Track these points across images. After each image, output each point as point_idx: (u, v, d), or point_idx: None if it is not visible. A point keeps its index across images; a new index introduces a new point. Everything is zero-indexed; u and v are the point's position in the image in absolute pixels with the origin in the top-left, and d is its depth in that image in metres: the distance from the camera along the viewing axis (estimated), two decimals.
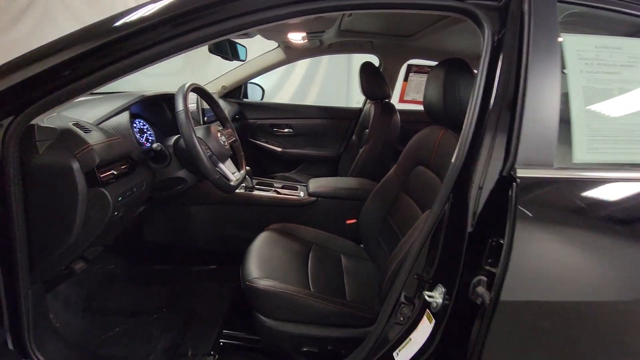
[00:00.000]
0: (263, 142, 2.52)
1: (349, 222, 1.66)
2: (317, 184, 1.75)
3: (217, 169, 1.16)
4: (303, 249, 1.39)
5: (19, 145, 0.75)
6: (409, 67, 2.41)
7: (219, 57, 1.83)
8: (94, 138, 0.90)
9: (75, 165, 0.83)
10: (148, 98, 1.13)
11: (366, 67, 2.02)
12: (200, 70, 2.77)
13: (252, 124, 2.50)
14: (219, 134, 1.21)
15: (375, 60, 2.27)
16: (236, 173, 1.26)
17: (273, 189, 1.73)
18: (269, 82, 4.04)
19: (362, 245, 1.57)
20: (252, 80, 2.50)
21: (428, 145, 1.22)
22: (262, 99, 2.66)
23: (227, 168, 1.25)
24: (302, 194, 1.72)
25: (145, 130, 1.34)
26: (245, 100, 2.51)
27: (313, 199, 1.68)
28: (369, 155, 1.94)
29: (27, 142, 0.77)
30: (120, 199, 0.93)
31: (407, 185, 1.32)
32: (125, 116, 1.00)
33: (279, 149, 2.51)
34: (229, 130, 1.38)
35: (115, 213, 0.94)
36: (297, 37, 1.64)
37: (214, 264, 1.73)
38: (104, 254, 1.59)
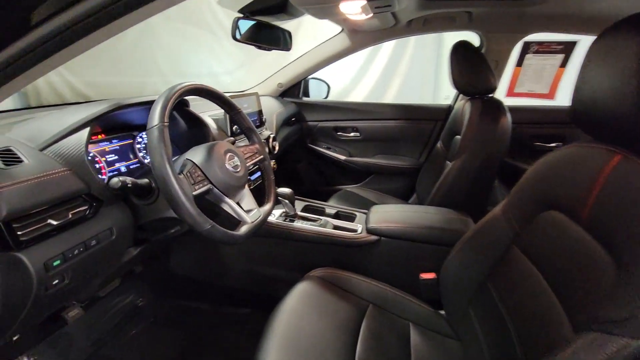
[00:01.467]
0: (324, 148, 2.12)
1: (424, 275, 1.14)
2: (381, 216, 1.26)
3: (223, 206, 0.79)
4: (354, 311, 0.96)
5: None
6: (527, 45, 1.70)
7: (278, 52, 1.47)
8: (18, 174, 0.60)
9: None
10: (127, 105, 0.81)
11: (460, 48, 1.43)
12: (257, 68, 2.49)
13: (312, 127, 2.11)
14: (228, 156, 0.83)
15: (474, 39, 1.64)
16: (254, 211, 0.87)
17: (323, 218, 1.31)
18: (341, 77, 3.64)
19: (442, 312, 1.05)
20: (314, 76, 2.10)
21: (581, 177, 0.64)
22: (326, 97, 2.24)
23: (241, 205, 0.87)
24: (359, 227, 1.25)
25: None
26: (304, 99, 2.13)
27: (374, 237, 1.20)
28: (461, 175, 1.36)
29: None
30: (57, 262, 0.63)
31: (525, 237, 0.76)
32: (81, 136, 0.70)
33: (343, 157, 2.08)
34: (255, 146, 1.00)
35: (56, 282, 0.64)
36: (355, 10, 1.17)
37: (246, 307, 1.40)
38: (130, 282, 1.41)
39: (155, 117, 0.67)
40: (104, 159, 0.89)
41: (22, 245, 0.58)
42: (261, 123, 1.43)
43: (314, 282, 1.04)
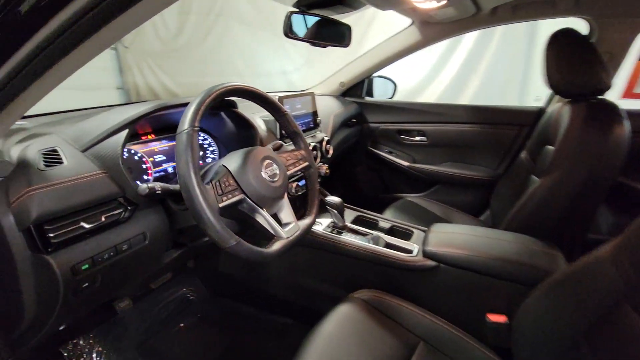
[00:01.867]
0: (385, 152, 1.96)
1: (493, 317, 0.93)
2: (443, 238, 1.08)
3: (257, 217, 0.72)
4: (401, 347, 0.83)
5: None
6: None
7: (343, 50, 1.36)
8: (56, 176, 0.60)
9: (7, 221, 0.55)
10: (170, 107, 0.79)
11: (561, 38, 1.15)
12: (320, 66, 2.42)
13: (373, 129, 1.97)
14: (265, 163, 0.76)
15: (580, 26, 1.33)
16: (291, 225, 0.78)
17: (374, 232, 1.18)
18: (411, 76, 3.38)
19: None
20: (380, 74, 1.95)
21: None
22: (392, 97, 2.07)
23: (279, 216, 0.80)
24: (416, 248, 1.09)
25: (207, 147, 1.04)
26: (367, 99, 2.00)
27: (431, 263, 1.03)
28: (552, 195, 1.09)
29: None
30: (86, 267, 0.62)
31: None
32: (118, 139, 0.69)
33: (406, 164, 1.89)
34: (301, 151, 0.91)
35: (85, 285, 0.64)
36: None
37: (288, 317, 1.34)
38: (182, 276, 1.46)
39: (186, 121, 0.63)
40: (151, 159, 0.90)
41: (52, 248, 0.58)
42: (315, 125, 1.35)
43: (357, 305, 0.92)
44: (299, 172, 1.04)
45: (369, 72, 1.85)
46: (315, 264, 1.20)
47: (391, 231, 1.25)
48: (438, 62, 3.39)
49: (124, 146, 0.69)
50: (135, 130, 0.86)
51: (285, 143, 1.04)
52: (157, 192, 0.65)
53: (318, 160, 1.29)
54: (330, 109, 1.62)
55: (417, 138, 1.89)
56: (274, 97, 1.12)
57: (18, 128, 0.75)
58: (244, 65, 3.74)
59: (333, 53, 1.81)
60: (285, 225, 0.79)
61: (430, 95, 3.42)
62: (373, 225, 1.28)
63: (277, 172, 0.78)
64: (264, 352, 1.25)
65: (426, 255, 1.04)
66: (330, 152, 1.37)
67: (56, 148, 0.65)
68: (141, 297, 1.27)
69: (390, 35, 1.69)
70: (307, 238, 1.15)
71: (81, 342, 1.07)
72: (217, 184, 0.66)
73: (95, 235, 0.64)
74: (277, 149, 0.97)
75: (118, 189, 0.67)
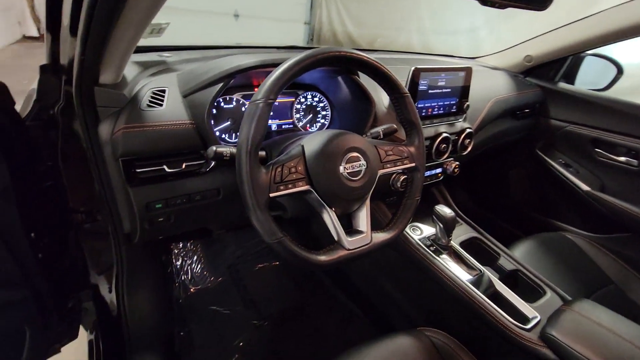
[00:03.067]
0: (560, 164, 1.43)
1: None
2: (584, 328, 0.72)
3: (323, 215, 0.62)
4: None
5: (84, 109, 0.62)
6: None
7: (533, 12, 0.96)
8: (152, 117, 0.64)
9: (107, 150, 0.62)
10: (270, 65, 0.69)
11: None
12: (505, 29, 1.83)
13: (554, 129, 1.44)
14: (349, 156, 0.61)
15: None
16: (361, 235, 0.64)
17: (486, 273, 0.90)
18: None
19: None
20: (596, 51, 1.35)
21: None
22: (606, 88, 1.43)
23: (353, 220, 0.66)
24: (536, 319, 0.78)
25: (320, 110, 0.96)
26: (561, 85, 1.44)
27: (547, 352, 0.71)
28: None
29: (92, 106, 0.62)
30: (159, 205, 0.67)
31: None
32: (210, 92, 0.66)
33: (585, 188, 1.35)
34: (411, 148, 0.71)
35: (161, 219, 0.70)
36: None
37: (358, 308, 1.26)
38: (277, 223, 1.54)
39: (262, 91, 0.54)
40: None
41: (135, 182, 0.63)
42: (459, 110, 1.05)
43: (423, 347, 0.75)
44: (401, 173, 0.85)
45: (577, 48, 1.29)
46: (400, 273, 1.03)
47: (512, 278, 0.93)
48: None
49: (214, 100, 0.67)
50: (251, 80, 0.84)
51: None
52: (225, 157, 0.61)
53: (446, 154, 1.02)
54: (492, 91, 1.23)
55: (623, 158, 1.28)
56: (409, 68, 0.90)
57: (159, 61, 0.83)
58: (429, 20, 3.31)
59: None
60: (354, 233, 0.65)
61: None
62: (490, 259, 0.98)
63: (362, 169, 0.63)
64: (321, 327, 1.24)
65: (545, 339, 0.72)
66: (469, 149, 1.07)
67: (165, 89, 0.68)
68: (243, 227, 1.41)
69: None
70: (397, 242, 0.98)
71: (188, 246, 1.29)
72: (280, 169, 0.56)
73: (173, 179, 0.67)
74: (388, 134, 0.79)
75: (200, 143, 0.67)
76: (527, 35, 1.41)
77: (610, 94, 1.39)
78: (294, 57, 0.55)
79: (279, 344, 1.14)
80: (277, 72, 0.55)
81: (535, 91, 1.41)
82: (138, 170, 0.63)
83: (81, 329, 1.00)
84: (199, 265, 1.30)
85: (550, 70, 1.43)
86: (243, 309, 1.23)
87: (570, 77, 1.45)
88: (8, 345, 0.71)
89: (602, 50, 1.33)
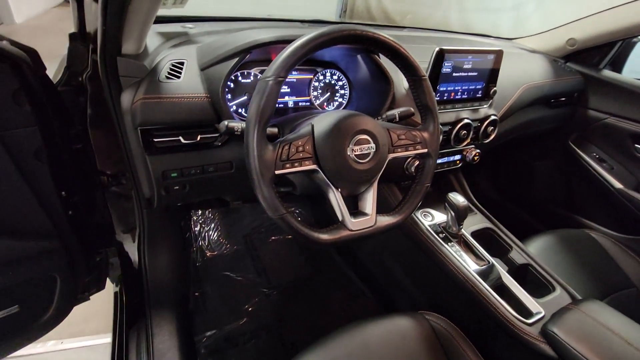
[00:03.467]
0: (595, 158, 1.35)
1: None
2: (589, 329, 0.70)
3: (329, 194, 0.63)
4: None
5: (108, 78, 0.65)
6: None
7: None
8: (169, 89, 0.66)
9: (127, 119, 0.65)
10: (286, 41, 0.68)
11: None
12: (555, 8, 1.66)
13: (591, 120, 1.35)
14: (357, 138, 0.60)
15: None
16: (365, 217, 0.64)
17: (497, 265, 0.89)
18: None
19: None
20: None
21: None
22: None
23: (359, 202, 0.67)
24: (540, 315, 0.77)
25: (338, 89, 0.95)
26: (607, 72, 1.32)
27: (546, 350, 0.71)
28: None
29: (115, 75, 0.65)
30: (174, 175, 0.70)
31: None
32: (225, 66, 0.66)
33: (618, 185, 1.27)
34: (423, 133, 0.69)
35: (176, 188, 0.74)
36: None
37: (365, 285, 1.28)
38: (292, 198, 1.57)
39: (272, 68, 0.54)
40: None
41: (153, 151, 0.67)
42: (485, 96, 1.00)
43: (423, 329, 0.77)
44: (412, 158, 0.84)
45: (629, 32, 1.17)
46: (408, 257, 1.04)
47: (522, 272, 0.91)
48: None
49: (229, 75, 0.68)
50: (269, 55, 0.83)
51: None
52: (237, 132, 0.62)
53: (466, 141, 0.99)
54: (525, 76, 1.16)
55: None
56: (432, 47, 0.86)
57: (181, 32, 0.84)
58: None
59: None
60: (358, 215, 0.66)
61: None
62: (501, 251, 0.96)
63: (371, 152, 0.63)
64: (327, 300, 1.28)
65: (545, 335, 0.72)
66: (492, 137, 1.02)
67: (184, 61, 0.70)
68: (258, 200, 1.45)
69: None
70: (406, 226, 0.98)
71: (207, 214, 1.35)
72: (287, 147, 0.57)
73: (188, 150, 0.70)
74: (405, 117, 0.78)
75: (214, 117, 0.69)
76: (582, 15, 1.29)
77: None
78: (307, 35, 0.55)
79: (285, 312, 1.20)
80: (288, 50, 0.54)
81: (575, 78, 1.31)
82: (156, 140, 0.66)
83: (108, 282, 1.09)
84: (216, 233, 1.37)
85: (595, 56, 1.32)
86: (255, 276, 1.29)
87: (618, 65, 1.34)
88: (42, 290, 0.80)
89: None
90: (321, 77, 0.92)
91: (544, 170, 1.51)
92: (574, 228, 1.20)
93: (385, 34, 0.61)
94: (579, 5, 1.29)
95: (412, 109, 0.78)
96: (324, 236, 0.61)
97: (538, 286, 0.88)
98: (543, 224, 1.47)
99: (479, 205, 1.07)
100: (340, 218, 0.64)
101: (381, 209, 0.67)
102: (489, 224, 1.02)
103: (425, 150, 0.70)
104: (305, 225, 0.60)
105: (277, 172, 0.56)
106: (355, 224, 0.64)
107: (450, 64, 0.88)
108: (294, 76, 0.89)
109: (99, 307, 1.12)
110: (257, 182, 0.55)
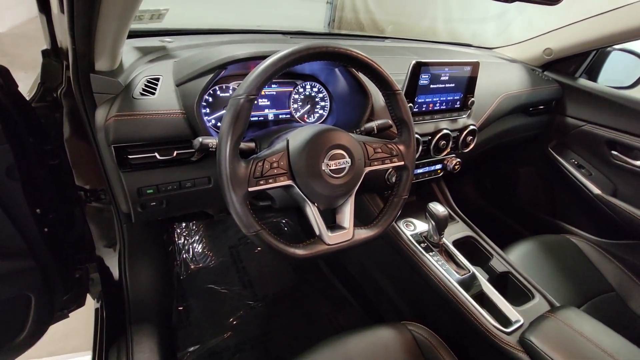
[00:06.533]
0: (573, 165, 1.38)
1: None
2: (566, 336, 0.71)
3: (305, 209, 0.63)
4: None
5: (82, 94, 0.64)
6: None
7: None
8: (144, 106, 0.65)
9: (101, 136, 0.65)
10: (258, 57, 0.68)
11: None
12: (538, 18, 1.70)
13: (569, 127, 1.38)
14: (332, 153, 0.61)
15: None
16: (344, 231, 0.64)
17: (478, 275, 0.90)
18: None
19: None
20: (624, 46, 1.26)
21: None
22: (632, 86, 1.34)
23: (337, 215, 0.67)
24: (518, 324, 0.78)
25: (319, 101, 0.95)
26: (582, 81, 1.36)
27: (524, 357, 0.72)
28: None
29: (89, 92, 0.65)
30: (150, 191, 0.70)
31: None
32: (200, 82, 0.66)
33: (596, 191, 1.30)
34: (399, 146, 0.70)
35: (153, 204, 0.73)
36: None
37: (349, 294, 1.28)
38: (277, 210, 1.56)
39: (244, 85, 0.54)
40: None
41: (127, 168, 0.66)
42: (463, 106, 1.01)
43: (404, 340, 0.77)
44: (389, 171, 0.85)
45: (603, 42, 1.21)
46: (391, 267, 1.04)
47: (502, 280, 0.92)
48: None
49: (205, 90, 0.68)
50: (248, 69, 0.84)
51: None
52: (211, 149, 0.62)
53: (446, 151, 1.01)
54: (503, 86, 1.18)
55: None
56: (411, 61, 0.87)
57: (159, 46, 0.84)
58: (457, 7, 3.12)
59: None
60: (336, 228, 0.66)
61: None
62: (482, 260, 0.97)
63: (346, 167, 0.63)
64: (313, 311, 1.27)
65: (523, 344, 0.72)
66: (471, 146, 1.04)
67: (159, 77, 0.70)
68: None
69: None
70: (388, 236, 0.98)
71: (190, 225, 1.34)
72: (261, 164, 0.57)
73: (165, 167, 0.70)
74: (383, 129, 0.79)
75: (190, 132, 0.68)
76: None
77: (638, 92, 1.31)
78: (278, 53, 0.55)
79: (270, 325, 1.19)
80: (259, 69, 0.54)
81: (552, 87, 1.34)
82: (130, 157, 0.65)
83: (89, 298, 1.07)
84: (201, 245, 1.35)
85: (571, 65, 1.35)
86: (240, 288, 1.28)
87: (593, 73, 1.37)
88: (15, 311, 0.78)
89: (631, 45, 1.24)
90: (301, 90, 0.93)
91: (526, 176, 1.54)
92: (556, 233, 1.22)
93: (357, 50, 0.62)
94: (555, 16, 1.33)
95: (389, 122, 0.79)
96: (300, 251, 0.61)
97: (518, 294, 0.90)
98: (526, 229, 1.50)
99: (460, 213, 1.08)
100: (317, 232, 0.64)
101: (363, 218, 0.67)
102: (470, 232, 1.03)
103: (402, 162, 0.71)
104: (281, 241, 0.60)
105: (250, 189, 0.56)
106: (332, 238, 0.64)
107: (427, 76, 0.90)
108: (273, 89, 0.90)
109: (80, 323, 1.09)
110: (229, 200, 0.55)
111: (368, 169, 0.68)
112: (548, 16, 1.44)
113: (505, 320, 0.80)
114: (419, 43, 1.45)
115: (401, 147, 0.70)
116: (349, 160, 0.63)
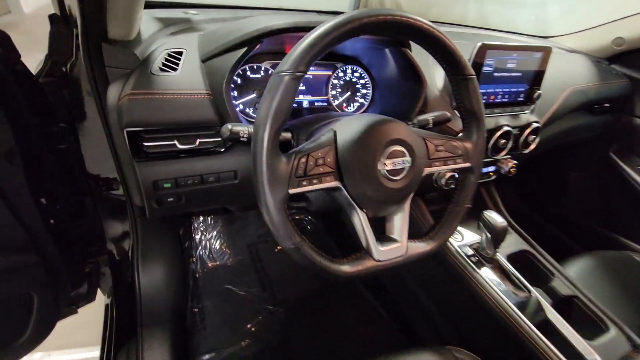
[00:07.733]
0: (638, 171, 1.21)
1: None
2: None
3: (352, 217, 0.52)
4: None
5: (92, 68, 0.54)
6: None
7: None
8: (163, 84, 0.55)
9: (112, 117, 0.55)
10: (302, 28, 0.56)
11: None
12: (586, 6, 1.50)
13: (637, 129, 1.21)
14: (390, 150, 0.49)
15: None
16: (396, 244, 0.53)
17: (538, 292, 0.77)
18: None
19: None
20: None
21: None
22: None
23: (386, 225, 0.55)
24: (590, 356, 0.65)
25: (360, 88, 0.83)
26: None
27: None
28: None
29: (101, 66, 0.55)
30: (168, 185, 0.59)
31: None
32: (231, 58, 0.55)
33: None
34: (466, 144, 0.57)
35: (170, 199, 0.63)
36: None
37: (383, 308, 1.17)
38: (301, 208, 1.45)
39: (289, 59, 0.42)
40: None
41: (142, 157, 0.56)
42: (528, 99, 0.87)
43: None
44: (452, 172, 0.72)
45: None
46: (434, 281, 0.92)
47: (568, 304, 0.79)
48: None
49: (236, 67, 0.57)
50: (283, 46, 0.72)
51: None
52: (242, 138, 0.51)
53: (505, 151, 0.87)
54: (571, 78, 1.03)
55: None
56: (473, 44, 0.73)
57: (183, 18, 0.73)
58: None
59: None
60: (387, 241, 0.54)
61: None
62: (541, 279, 0.84)
63: (406, 167, 0.51)
64: (339, 321, 1.16)
65: None
66: (532, 146, 0.90)
67: (182, 50, 0.59)
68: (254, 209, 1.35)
69: None
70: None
71: (209, 220, 1.25)
72: (304, 160, 0.46)
73: (185, 157, 0.59)
74: (439, 122, 0.66)
75: (216, 118, 0.57)
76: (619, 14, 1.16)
77: None
78: (333, 20, 0.43)
79: (291, 334, 1.09)
80: (309, 38, 0.43)
81: (621, 82, 1.17)
82: (145, 144, 0.55)
83: (99, 291, 1.00)
84: (219, 241, 1.26)
85: None
86: (259, 291, 1.19)
87: None
88: (17, 310, 0.70)
89: None
90: (341, 74, 0.81)
91: (580, 183, 1.37)
92: (612, 248, 1.07)
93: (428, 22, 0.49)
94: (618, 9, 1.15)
95: (448, 114, 0.66)
96: (346, 268, 0.50)
97: (586, 323, 0.76)
98: (577, 243, 1.34)
99: (514, 224, 0.95)
100: (365, 245, 0.52)
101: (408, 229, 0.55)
102: (526, 246, 0.89)
103: (467, 164, 0.58)
104: (324, 256, 0.48)
105: (291, 190, 0.45)
106: (383, 253, 0.52)
107: (492, 62, 0.76)
108: (310, 72, 0.78)
109: (89, 317, 1.02)
110: (265, 204, 0.44)
111: (428, 170, 0.55)
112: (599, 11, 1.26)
113: (576, 357, 0.67)
114: (460, 28, 1.29)
115: (467, 145, 0.58)
116: (409, 159, 0.51)
